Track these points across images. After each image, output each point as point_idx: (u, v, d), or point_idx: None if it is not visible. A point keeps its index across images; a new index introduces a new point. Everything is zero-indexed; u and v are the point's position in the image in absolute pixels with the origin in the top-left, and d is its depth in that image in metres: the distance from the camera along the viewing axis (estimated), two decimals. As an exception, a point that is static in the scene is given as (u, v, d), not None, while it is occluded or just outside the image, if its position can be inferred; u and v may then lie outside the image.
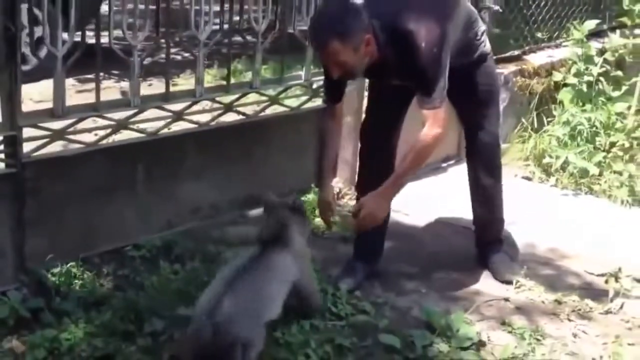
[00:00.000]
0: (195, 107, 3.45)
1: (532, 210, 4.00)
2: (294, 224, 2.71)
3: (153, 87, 5.52)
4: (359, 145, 3.24)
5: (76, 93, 5.28)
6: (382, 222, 2.95)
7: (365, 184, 3.07)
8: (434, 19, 2.73)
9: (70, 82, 5.33)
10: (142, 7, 3.05)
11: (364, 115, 3.29)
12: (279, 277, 2.58)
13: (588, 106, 4.65)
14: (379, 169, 3.02)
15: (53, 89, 2.89)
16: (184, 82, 5.62)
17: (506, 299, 3.14)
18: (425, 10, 2.74)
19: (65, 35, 2.84)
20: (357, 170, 3.26)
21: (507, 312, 3.05)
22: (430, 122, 2.78)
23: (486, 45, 3.11)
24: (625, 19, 4.90)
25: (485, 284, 3.27)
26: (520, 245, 3.63)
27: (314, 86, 3.84)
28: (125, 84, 5.57)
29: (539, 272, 3.39)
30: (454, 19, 2.84)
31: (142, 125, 3.36)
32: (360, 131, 3.23)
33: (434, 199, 4.06)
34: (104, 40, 2.99)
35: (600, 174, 4.42)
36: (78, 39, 2.92)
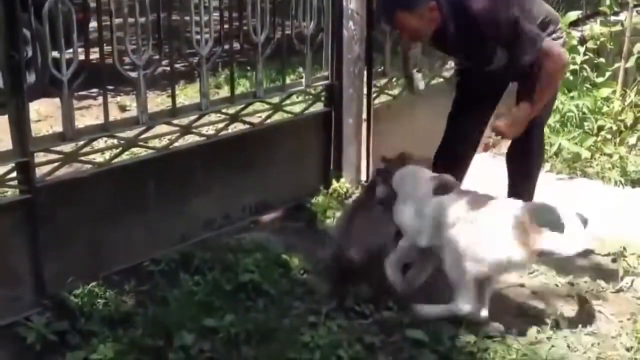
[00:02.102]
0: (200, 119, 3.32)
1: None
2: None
3: (148, 99, 5.39)
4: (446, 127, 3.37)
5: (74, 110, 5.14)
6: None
7: (443, 158, 3.30)
8: None
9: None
10: (142, 20, 2.91)
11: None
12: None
13: (575, 93, 4.59)
14: (458, 154, 3.31)
15: (61, 112, 2.76)
16: (179, 92, 5.49)
17: (521, 285, 3.05)
18: None
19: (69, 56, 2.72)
20: (439, 146, 3.41)
21: (524, 297, 2.97)
22: (547, 56, 2.84)
23: (558, 42, 3.09)
24: (605, 8, 4.85)
25: (499, 271, 3.18)
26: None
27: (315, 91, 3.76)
28: (120, 98, 5.44)
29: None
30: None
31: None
32: (448, 115, 3.36)
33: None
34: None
35: (592, 157, 4.37)
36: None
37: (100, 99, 5.50)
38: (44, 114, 4.71)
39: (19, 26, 2.51)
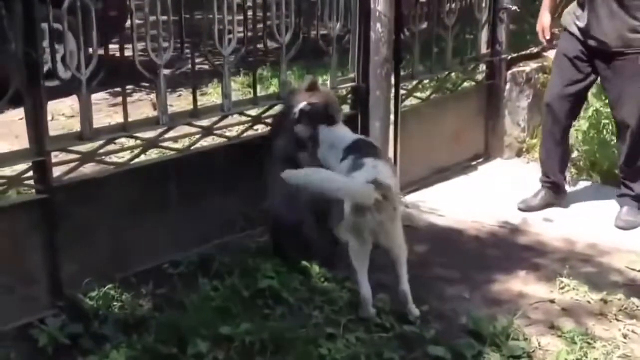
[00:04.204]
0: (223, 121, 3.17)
1: (567, 205, 3.70)
2: None
3: (182, 97, 5.29)
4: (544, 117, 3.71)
5: (108, 107, 5.07)
6: None
7: (548, 153, 3.66)
8: None
9: (102, 95, 5.12)
10: (164, 18, 2.77)
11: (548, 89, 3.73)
12: None
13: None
14: (558, 141, 3.59)
15: (80, 112, 2.64)
16: (213, 90, 5.37)
17: (552, 301, 2.85)
18: None
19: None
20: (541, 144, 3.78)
21: (554, 314, 2.76)
22: None
23: None
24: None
25: (528, 285, 2.98)
26: (559, 242, 3.34)
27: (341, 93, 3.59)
28: (154, 96, 5.33)
29: (581, 270, 3.09)
30: None
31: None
32: (544, 104, 3.66)
33: (467, 198, 3.78)
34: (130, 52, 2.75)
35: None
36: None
37: (135, 96, 5.52)
38: (78, 110, 4.61)
39: (37, 23, 2.40)
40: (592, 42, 3.39)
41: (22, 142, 2.52)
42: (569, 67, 3.50)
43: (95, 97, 4.87)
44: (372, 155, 2.75)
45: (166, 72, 2.85)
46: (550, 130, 3.64)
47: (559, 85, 3.57)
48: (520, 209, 3.65)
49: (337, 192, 2.58)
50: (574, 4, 3.52)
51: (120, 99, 5.03)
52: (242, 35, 3.14)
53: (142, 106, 5.19)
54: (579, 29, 3.43)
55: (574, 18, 3.47)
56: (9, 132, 4.18)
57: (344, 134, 2.93)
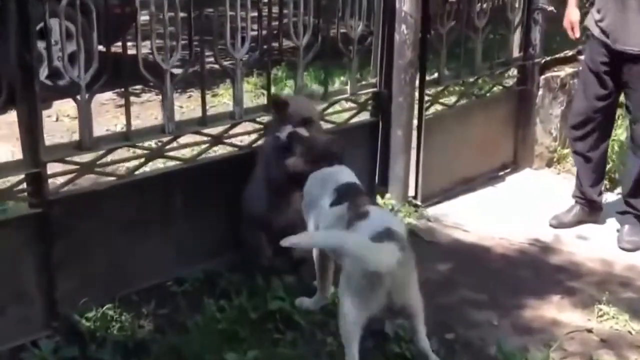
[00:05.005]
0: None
1: (602, 222, 3.45)
2: None
3: (192, 99, 5.12)
4: (570, 136, 3.49)
5: (115, 108, 4.93)
6: None
7: (578, 172, 3.44)
8: None
9: (109, 95, 4.97)
10: (171, 14, 2.58)
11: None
12: None
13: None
14: (592, 156, 3.33)
15: (78, 119, 2.46)
16: (224, 91, 5.20)
17: (589, 330, 2.62)
18: None
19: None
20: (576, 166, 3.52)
21: (592, 346, 2.54)
22: None
23: None
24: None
25: (563, 311, 2.76)
26: (595, 263, 3.11)
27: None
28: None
29: (620, 295, 2.86)
30: None
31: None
32: (570, 122, 3.47)
33: (494, 212, 3.56)
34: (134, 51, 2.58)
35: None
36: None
37: (143, 96, 5.35)
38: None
39: (31, 23, 2.22)
40: (614, 45, 3.12)
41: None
42: (594, 81, 3.24)
43: (102, 97, 4.79)
44: (365, 201, 2.43)
45: (175, 71, 2.67)
46: (578, 150, 3.38)
47: (583, 101, 3.32)
48: (551, 225, 3.41)
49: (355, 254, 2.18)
50: (596, 2, 3.24)
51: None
52: (255, 33, 2.94)
53: (150, 107, 5.04)
54: (602, 30, 3.17)
55: (596, 18, 3.20)
56: (12, 134, 4.03)
57: (337, 173, 2.58)
